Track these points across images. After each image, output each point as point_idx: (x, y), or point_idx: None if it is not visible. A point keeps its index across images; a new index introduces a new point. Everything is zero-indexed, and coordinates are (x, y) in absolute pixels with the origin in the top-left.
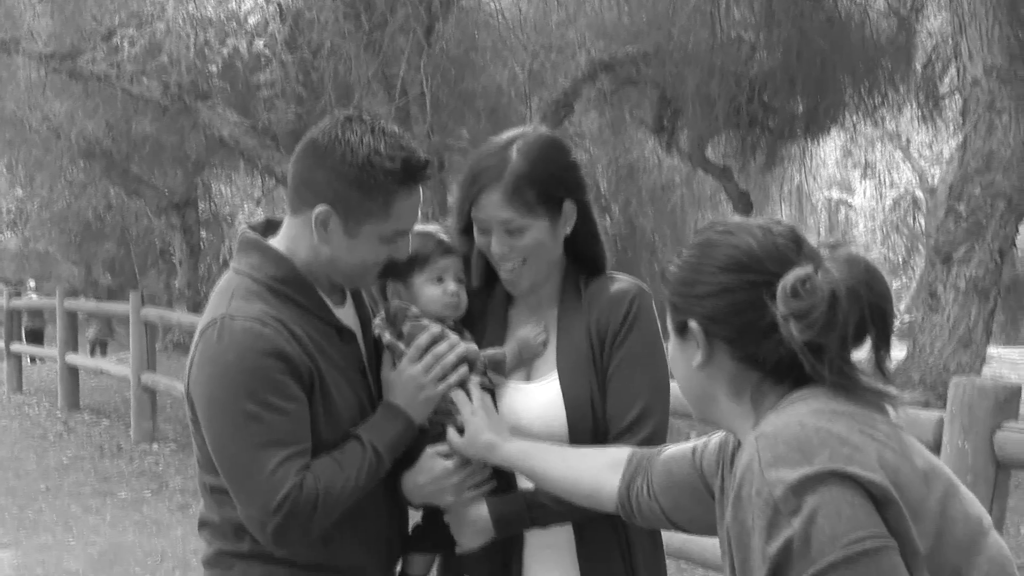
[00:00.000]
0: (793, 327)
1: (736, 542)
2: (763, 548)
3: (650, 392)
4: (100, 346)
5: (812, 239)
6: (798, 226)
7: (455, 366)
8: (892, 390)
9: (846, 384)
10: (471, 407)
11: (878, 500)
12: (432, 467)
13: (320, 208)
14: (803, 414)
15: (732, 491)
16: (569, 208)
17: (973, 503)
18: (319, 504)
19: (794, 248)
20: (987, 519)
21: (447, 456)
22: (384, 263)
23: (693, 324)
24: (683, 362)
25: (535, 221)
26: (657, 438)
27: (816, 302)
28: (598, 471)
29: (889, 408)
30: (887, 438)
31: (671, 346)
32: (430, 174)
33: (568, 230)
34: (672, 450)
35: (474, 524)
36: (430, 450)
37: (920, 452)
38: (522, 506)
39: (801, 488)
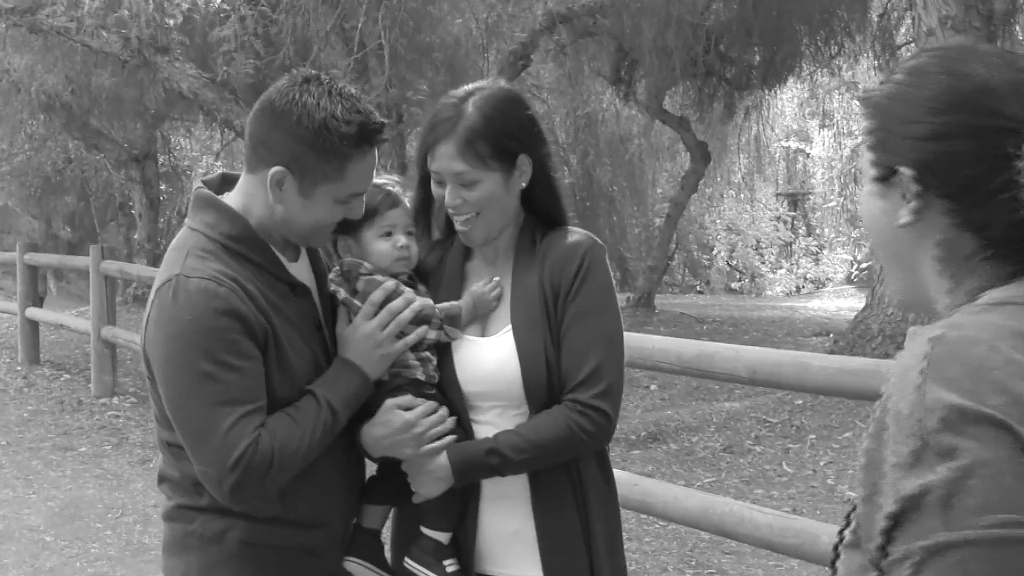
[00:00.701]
0: None
1: (868, 462)
2: (896, 479)
3: (604, 347)
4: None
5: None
6: None
7: (411, 322)
8: None
9: None
10: None
11: None
12: (391, 420)
13: (276, 169)
14: (1002, 331)
15: (882, 396)
16: (524, 162)
17: None
18: (275, 461)
19: None
20: None
21: (406, 408)
22: (338, 220)
23: (904, 171)
24: (883, 215)
25: (487, 174)
26: (612, 392)
27: None
28: None
29: None
30: None
31: (866, 193)
32: (386, 137)
33: (523, 184)
34: None
35: (433, 472)
36: (389, 402)
37: None
38: (481, 454)
39: (961, 425)
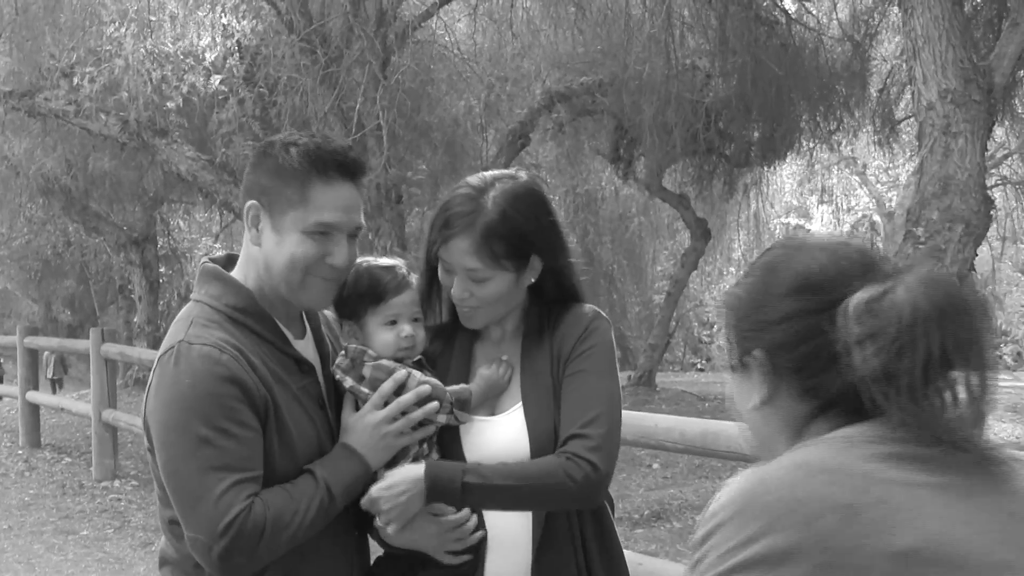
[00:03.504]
0: (863, 352)
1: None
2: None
3: (600, 403)
4: (56, 383)
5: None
6: (870, 244)
7: (420, 421)
8: (969, 433)
9: (910, 420)
10: None
11: None
12: (423, 526)
13: (249, 204)
14: (801, 464)
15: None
16: (536, 261)
17: None
18: (266, 531)
19: (863, 268)
20: None
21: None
22: (314, 261)
23: (758, 353)
24: (746, 399)
25: (500, 273)
26: (605, 447)
27: (887, 323)
28: None
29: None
30: (877, 502)
31: (732, 384)
32: (352, 169)
33: (532, 280)
34: None
35: (404, 490)
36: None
37: (921, 527)
38: (458, 471)
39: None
